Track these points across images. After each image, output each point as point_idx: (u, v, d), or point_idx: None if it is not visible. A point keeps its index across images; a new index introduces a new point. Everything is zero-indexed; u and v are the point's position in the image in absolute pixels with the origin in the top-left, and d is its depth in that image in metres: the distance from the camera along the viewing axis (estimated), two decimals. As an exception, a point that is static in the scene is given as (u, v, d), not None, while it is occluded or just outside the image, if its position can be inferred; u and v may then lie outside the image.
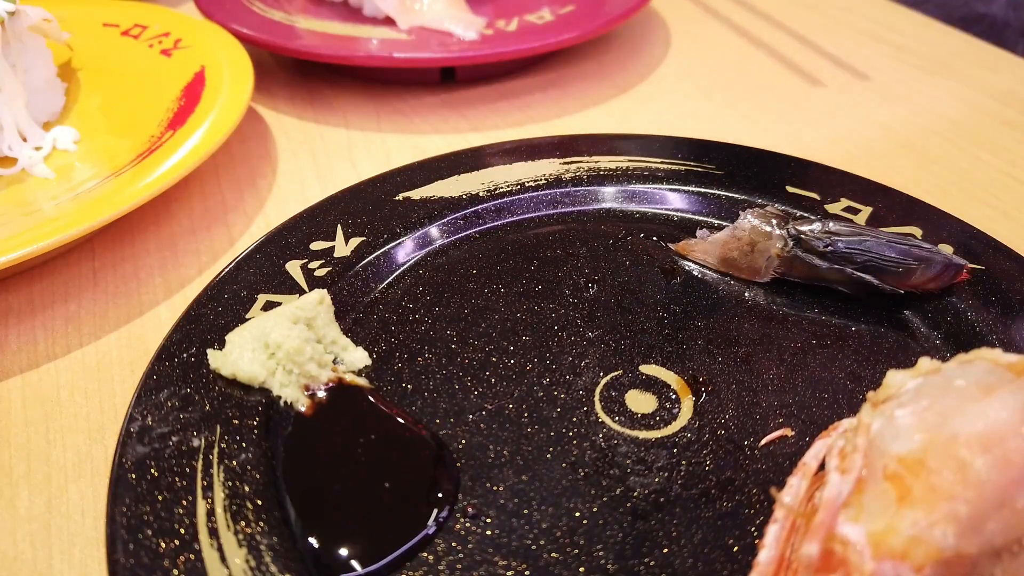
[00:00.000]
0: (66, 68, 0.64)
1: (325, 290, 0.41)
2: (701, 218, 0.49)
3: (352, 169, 0.59)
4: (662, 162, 0.52)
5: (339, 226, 0.46)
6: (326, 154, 0.60)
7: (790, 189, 0.49)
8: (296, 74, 0.71)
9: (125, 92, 0.61)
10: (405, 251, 0.46)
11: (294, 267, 0.43)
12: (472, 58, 0.64)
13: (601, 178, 0.51)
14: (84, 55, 0.65)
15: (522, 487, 0.34)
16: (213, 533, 0.31)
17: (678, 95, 0.68)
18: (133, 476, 0.32)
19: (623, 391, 0.38)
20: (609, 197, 0.51)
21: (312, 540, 0.31)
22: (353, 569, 0.30)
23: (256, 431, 0.35)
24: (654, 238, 0.48)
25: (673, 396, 0.38)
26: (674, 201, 0.50)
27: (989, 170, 0.57)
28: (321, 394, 0.37)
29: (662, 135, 0.55)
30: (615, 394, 0.38)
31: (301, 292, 0.42)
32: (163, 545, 0.30)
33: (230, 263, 0.43)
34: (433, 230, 0.48)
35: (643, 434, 0.36)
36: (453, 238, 0.48)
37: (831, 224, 0.43)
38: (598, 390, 0.38)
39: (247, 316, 0.40)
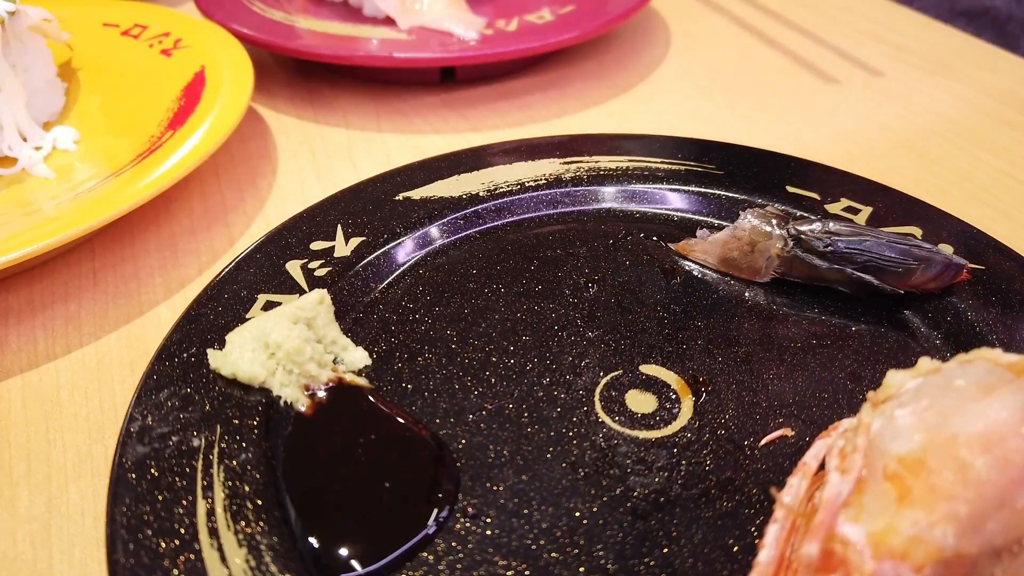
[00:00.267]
0: (66, 68, 0.64)
1: (325, 290, 0.41)
2: (701, 218, 0.49)
3: (352, 169, 0.59)
4: (662, 162, 0.52)
5: (339, 226, 0.46)
6: (326, 154, 0.60)
7: (790, 189, 0.49)
8: (296, 74, 0.71)
9: (125, 92, 0.61)
10: (405, 251, 0.46)
11: (294, 267, 0.43)
12: (472, 58, 0.64)
13: (601, 178, 0.51)
14: (84, 55, 0.65)
15: (522, 487, 0.34)
16: (213, 533, 0.31)
17: (678, 95, 0.68)
18: (133, 476, 0.32)
19: (623, 391, 0.38)
20: (609, 197, 0.51)
21: (312, 540, 0.31)
22: (353, 569, 0.30)
23: (256, 431, 0.35)
24: (654, 238, 0.48)
25: (673, 396, 0.38)
26: (674, 201, 0.50)
27: (989, 170, 0.57)
28: (321, 394, 0.37)
29: (662, 135, 0.55)
30: (615, 394, 0.38)
31: (301, 292, 0.42)
32: (163, 545, 0.30)
33: (230, 263, 0.43)
34: (433, 230, 0.48)
35: (643, 434, 0.36)
36: (453, 238, 0.48)
37: (831, 224, 0.43)
38: (598, 390, 0.38)
39: (247, 316, 0.40)
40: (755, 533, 0.32)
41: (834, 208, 0.48)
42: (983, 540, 0.24)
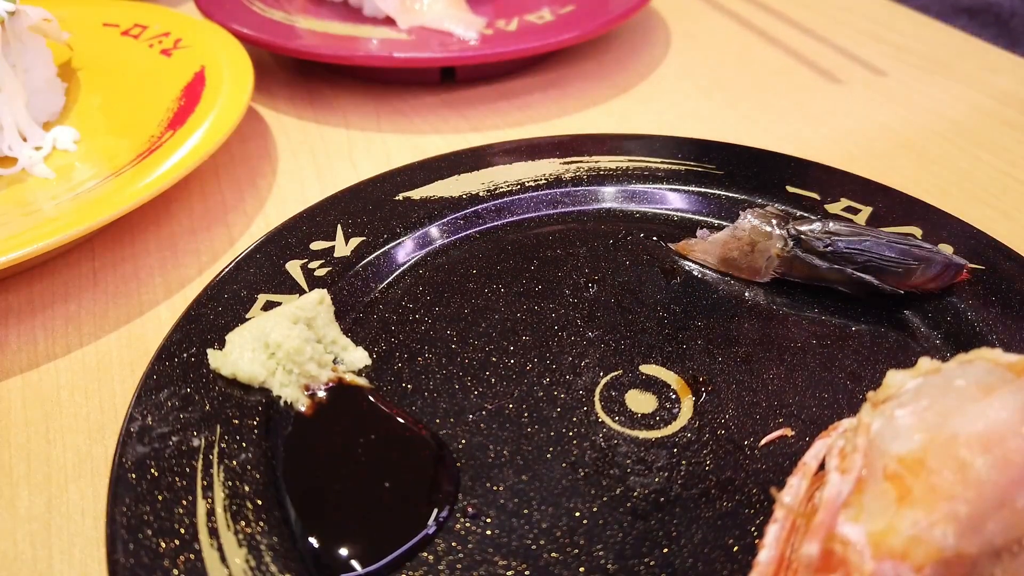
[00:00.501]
0: (66, 68, 0.64)
1: (325, 290, 0.41)
2: (701, 218, 0.49)
3: (352, 169, 0.59)
4: (662, 162, 0.52)
5: (339, 226, 0.46)
6: (326, 154, 0.60)
7: (790, 189, 0.49)
8: (296, 74, 0.71)
9: (125, 92, 0.61)
10: (405, 251, 0.46)
11: (294, 267, 0.43)
12: (472, 58, 0.64)
13: (601, 178, 0.51)
14: (84, 55, 0.65)
15: (522, 487, 0.34)
16: (213, 533, 0.31)
17: (678, 95, 0.68)
18: (133, 476, 0.32)
19: (623, 391, 0.38)
20: (609, 197, 0.51)
21: (312, 540, 0.31)
22: (353, 569, 0.30)
23: (256, 431, 0.35)
24: (654, 238, 0.48)
25: (673, 396, 0.38)
26: (674, 201, 0.50)
27: (989, 170, 0.57)
28: (321, 394, 0.37)
29: (662, 135, 0.55)
30: (615, 394, 0.38)
31: (301, 292, 0.42)
32: (163, 545, 0.30)
33: (230, 263, 0.43)
34: (433, 230, 0.48)
35: (643, 434, 0.36)
36: (453, 238, 0.48)
37: (831, 224, 0.43)
38: (598, 390, 0.38)
39: (247, 316, 0.40)
40: (755, 533, 0.32)
41: (834, 208, 0.48)
42: (983, 540, 0.24)
